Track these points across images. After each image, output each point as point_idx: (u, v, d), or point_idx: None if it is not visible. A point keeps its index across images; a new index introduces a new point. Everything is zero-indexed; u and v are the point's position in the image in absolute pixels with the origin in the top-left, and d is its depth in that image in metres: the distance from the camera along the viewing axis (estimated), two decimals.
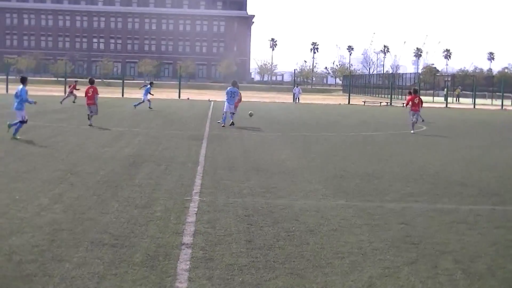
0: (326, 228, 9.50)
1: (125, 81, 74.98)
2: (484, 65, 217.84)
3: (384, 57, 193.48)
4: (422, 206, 11.56)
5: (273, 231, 9.19)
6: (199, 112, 41.21)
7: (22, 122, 20.82)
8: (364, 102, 71.77)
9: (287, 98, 77.20)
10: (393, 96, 79.94)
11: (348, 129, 30.49)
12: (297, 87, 70.22)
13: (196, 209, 10.48)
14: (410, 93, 32.88)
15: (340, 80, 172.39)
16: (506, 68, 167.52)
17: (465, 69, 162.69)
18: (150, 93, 43.29)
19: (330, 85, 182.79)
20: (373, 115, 45.10)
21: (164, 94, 71.20)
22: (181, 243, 8.32)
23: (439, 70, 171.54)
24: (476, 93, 77.77)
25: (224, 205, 10.95)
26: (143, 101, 42.61)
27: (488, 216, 10.91)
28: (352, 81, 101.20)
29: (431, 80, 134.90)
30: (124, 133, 24.29)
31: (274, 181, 13.81)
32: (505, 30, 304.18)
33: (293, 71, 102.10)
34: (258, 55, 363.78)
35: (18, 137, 20.42)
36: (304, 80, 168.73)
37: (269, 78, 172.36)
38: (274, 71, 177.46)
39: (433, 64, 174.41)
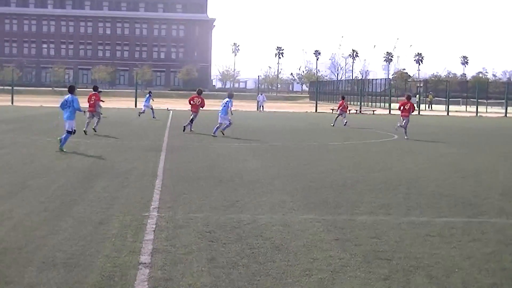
0: (293, 244, 9.50)
1: (77, 89, 74.43)
2: (458, 70, 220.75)
3: (353, 62, 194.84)
4: (394, 218, 11.63)
5: (237, 248, 9.17)
6: (157, 121, 41.10)
7: (70, 132, 21.52)
8: (333, 110, 71.66)
9: (251, 106, 77.29)
10: (362, 103, 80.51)
11: (317, 138, 30.61)
12: (261, 94, 70.57)
13: (154, 226, 10.42)
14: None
15: (306, 86, 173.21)
16: (481, 72, 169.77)
17: (438, 74, 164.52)
18: (152, 100, 47.42)
19: (296, 92, 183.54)
20: (341, 123, 45.27)
21: (120, 102, 70.92)
22: (139, 263, 8.26)
23: (411, 75, 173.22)
24: (450, 99, 78.53)
25: (184, 221, 10.91)
26: (143, 111, 46.14)
27: (463, 228, 11.01)
28: (319, 88, 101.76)
29: (402, 85, 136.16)
30: (79, 144, 24.12)
31: (238, 194, 13.80)
32: (479, 33, 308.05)
33: (257, 77, 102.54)
34: (220, 61, 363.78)
35: (65, 150, 21.20)
36: (269, 87, 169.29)
37: (231, 85, 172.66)
38: (237, 77, 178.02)
39: (404, 69, 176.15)
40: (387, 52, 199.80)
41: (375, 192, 14.59)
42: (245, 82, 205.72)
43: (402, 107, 32.96)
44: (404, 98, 34.32)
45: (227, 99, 31.46)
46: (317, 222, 11.12)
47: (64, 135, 21.58)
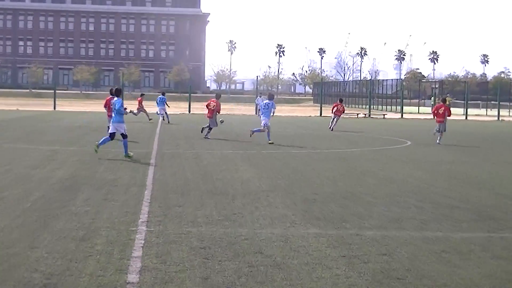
0: (295, 262, 9.51)
1: (57, 91, 74.56)
2: (477, 70, 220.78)
3: (361, 61, 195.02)
4: (407, 233, 11.64)
5: (234, 266, 9.18)
6: (146, 126, 41.10)
7: (125, 136, 22.77)
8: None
9: (249, 109, 77.33)
10: (372, 106, 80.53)
11: (321, 145, 30.61)
12: (260, 97, 70.39)
13: (143, 241, 10.43)
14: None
15: (310, 88, 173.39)
16: (503, 72, 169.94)
17: (455, 74, 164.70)
18: (167, 105, 48.99)
19: (299, 94, 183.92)
20: (349, 128, 45.36)
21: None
22: (126, 282, 8.27)
23: (425, 75, 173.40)
24: (468, 101, 78.47)
25: (176, 235, 10.92)
26: (161, 114, 48.13)
27: (483, 244, 11.02)
28: (324, 89, 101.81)
29: (416, 87, 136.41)
30: (58, 152, 24.15)
31: (234, 206, 13.81)
32: (501, 29, 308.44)
33: (256, 78, 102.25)
34: (215, 60, 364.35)
35: (131, 154, 22.59)
36: (269, 88, 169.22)
37: (227, 86, 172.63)
38: (233, 78, 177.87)
39: (418, 68, 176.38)
40: (398, 50, 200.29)
41: (384, 204, 14.61)
42: (242, 83, 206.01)
43: (436, 111, 33.99)
44: (439, 101, 35.30)
45: (266, 100, 32.48)
46: (322, 237, 11.14)
47: (104, 139, 23.16)
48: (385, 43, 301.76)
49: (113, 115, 23.24)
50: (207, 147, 28.08)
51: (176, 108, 71.08)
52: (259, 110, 68.02)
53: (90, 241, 10.41)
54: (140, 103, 48.68)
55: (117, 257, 9.45)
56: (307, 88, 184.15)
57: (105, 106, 31.38)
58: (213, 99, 33.97)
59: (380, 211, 13.73)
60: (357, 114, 72.93)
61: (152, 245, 10.21)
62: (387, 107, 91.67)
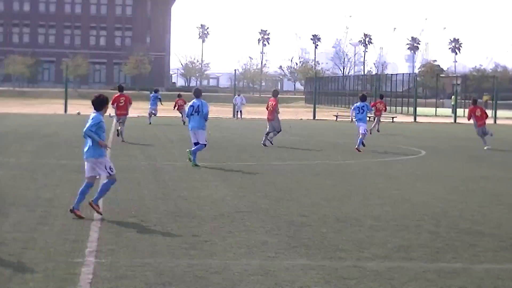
0: None
1: None
2: (509, 62, 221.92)
3: (364, 51, 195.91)
4: (417, 265, 11.69)
5: None
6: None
7: (205, 145, 25.39)
8: (337, 116, 71.96)
9: (225, 111, 77.19)
10: None
11: (313, 156, 30.68)
12: (238, 95, 70.49)
13: (90, 276, 10.44)
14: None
15: (301, 84, 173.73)
16: None
17: (482, 67, 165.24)
18: (161, 103, 51.59)
19: (287, 92, 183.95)
20: (348, 134, 45.42)
21: (43, 106, 70.80)
22: None
23: (444, 69, 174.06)
24: (498, 101, 78.59)
25: (130, 268, 10.92)
26: (153, 113, 50.52)
27: None
28: (319, 86, 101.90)
29: (433, 83, 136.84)
30: None
31: (202, 232, 13.83)
32: None
33: (233, 72, 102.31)
34: (182, 49, 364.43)
35: (198, 164, 24.98)
36: (250, 85, 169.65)
37: (198, 82, 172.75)
38: (206, 72, 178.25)
39: (435, 60, 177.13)
40: (411, 38, 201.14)
41: (389, 229, 14.67)
42: (217, 78, 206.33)
43: (472, 115, 36.24)
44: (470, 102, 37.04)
45: (359, 102, 33.95)
46: (311, 269, 11.17)
47: (198, 146, 25.10)
48: (394, 28, 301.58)
49: (189, 119, 25.35)
50: (169, 158, 28.10)
51: (133, 109, 71.00)
52: (237, 111, 68.28)
53: (21, 276, 10.40)
54: (178, 104, 53.69)
55: None
56: (298, 85, 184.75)
57: (113, 104, 34.06)
58: (271, 98, 35.98)
59: (384, 237, 13.78)
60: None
61: (102, 281, 10.20)
62: (397, 108, 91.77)
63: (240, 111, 67.90)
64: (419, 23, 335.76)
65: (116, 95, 35.41)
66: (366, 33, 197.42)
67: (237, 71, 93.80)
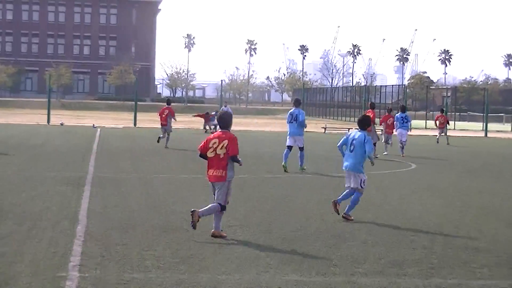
0: None
1: None
2: (500, 74, 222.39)
3: (353, 62, 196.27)
4: (411, 281, 11.69)
5: None
6: (79, 143, 40.96)
7: (302, 149, 28.66)
8: (325, 128, 72.08)
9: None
10: None
11: (305, 169, 30.66)
12: (225, 106, 70.58)
13: None
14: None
15: (288, 95, 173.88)
16: None
17: (472, 79, 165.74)
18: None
19: (274, 103, 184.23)
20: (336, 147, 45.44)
21: (26, 116, 70.62)
22: None
23: (434, 80, 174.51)
24: (489, 114, 78.76)
25: (117, 284, 10.89)
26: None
27: None
28: (306, 97, 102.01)
29: (423, 94, 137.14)
30: None
31: (192, 246, 13.81)
32: None
33: (220, 82, 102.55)
34: (168, 59, 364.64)
35: (305, 167, 28.75)
36: (236, 95, 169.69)
37: (183, 93, 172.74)
38: (191, 82, 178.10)
39: (425, 72, 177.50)
40: (401, 49, 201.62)
41: (383, 244, 14.67)
42: (203, 88, 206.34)
43: (384, 122, 41.11)
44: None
45: (399, 112, 40.31)
46: (304, 285, 11.16)
47: (301, 154, 28.40)
48: (384, 39, 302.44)
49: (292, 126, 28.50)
50: (158, 170, 28.03)
51: (117, 120, 71.01)
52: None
53: None
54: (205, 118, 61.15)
55: None
56: (285, 96, 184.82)
57: (159, 115, 41.03)
58: (165, 107, 41.34)
59: (378, 252, 13.77)
60: (348, 129, 73.00)
61: None
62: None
63: None
64: (409, 34, 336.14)
65: (163, 107, 41.68)
66: (354, 44, 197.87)
67: (223, 82, 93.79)
